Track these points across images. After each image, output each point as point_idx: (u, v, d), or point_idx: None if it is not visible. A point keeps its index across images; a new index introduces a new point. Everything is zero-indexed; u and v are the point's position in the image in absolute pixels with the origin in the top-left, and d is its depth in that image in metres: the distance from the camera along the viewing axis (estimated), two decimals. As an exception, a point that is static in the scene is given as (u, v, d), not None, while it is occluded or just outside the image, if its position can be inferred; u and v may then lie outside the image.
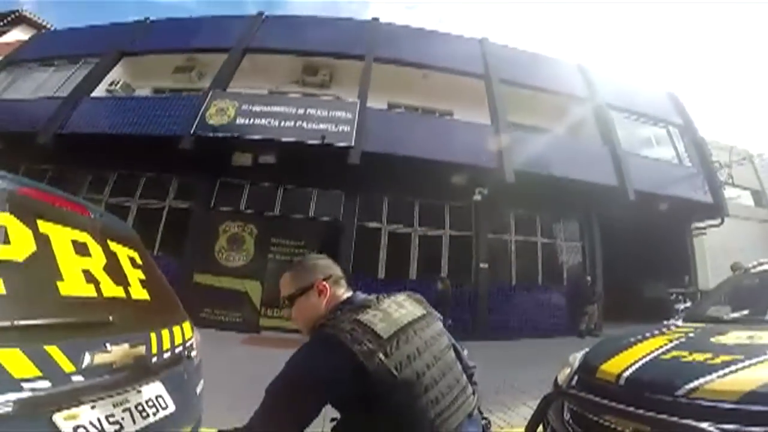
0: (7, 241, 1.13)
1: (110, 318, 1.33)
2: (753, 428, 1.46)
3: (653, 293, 10.22)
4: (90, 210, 1.59)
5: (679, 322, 2.79)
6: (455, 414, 0.98)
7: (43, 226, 1.29)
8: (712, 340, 2.13)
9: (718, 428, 1.48)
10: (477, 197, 9.03)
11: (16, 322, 1.03)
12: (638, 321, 3.61)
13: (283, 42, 10.13)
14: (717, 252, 11.40)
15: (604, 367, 2.10)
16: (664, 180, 10.00)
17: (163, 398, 1.48)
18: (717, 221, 10.94)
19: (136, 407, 1.32)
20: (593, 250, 10.07)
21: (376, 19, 11.01)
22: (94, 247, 1.50)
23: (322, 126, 8.28)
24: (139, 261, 1.78)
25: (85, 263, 1.39)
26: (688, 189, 10.19)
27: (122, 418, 1.23)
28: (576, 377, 2.30)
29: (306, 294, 1.13)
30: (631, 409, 1.74)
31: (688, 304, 4.66)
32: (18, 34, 13.85)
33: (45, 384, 1.03)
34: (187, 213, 8.88)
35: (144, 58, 10.64)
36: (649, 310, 7.18)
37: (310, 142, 8.10)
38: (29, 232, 1.22)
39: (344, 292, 1.17)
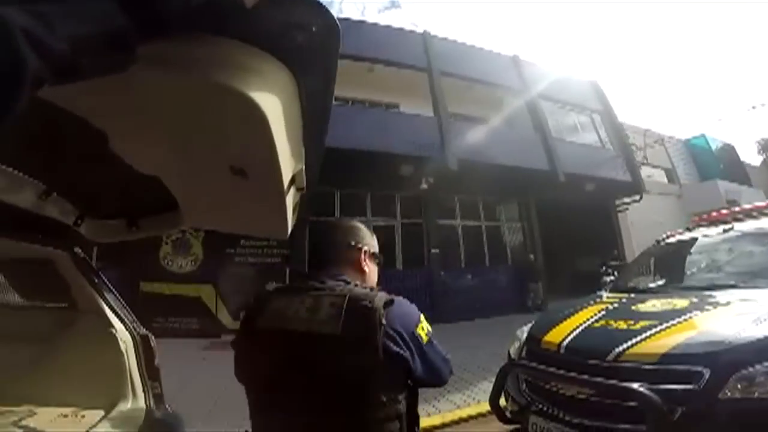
0: None
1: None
2: (672, 386, 1.68)
3: (587, 267, 11.16)
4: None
5: (606, 294, 3.08)
6: None
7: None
8: (633, 308, 2.42)
9: (647, 387, 1.69)
10: (424, 186, 9.34)
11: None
12: (575, 294, 4.00)
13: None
14: (639, 226, 12.64)
15: (547, 337, 2.34)
16: (590, 163, 10.90)
17: None
18: (636, 197, 12.18)
19: None
20: (532, 231, 10.83)
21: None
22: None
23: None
24: None
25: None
26: (611, 170, 11.22)
27: None
28: (525, 349, 2.52)
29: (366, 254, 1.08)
30: (572, 374, 1.96)
31: (614, 276, 5.18)
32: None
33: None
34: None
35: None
36: (585, 283, 7.87)
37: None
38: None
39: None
